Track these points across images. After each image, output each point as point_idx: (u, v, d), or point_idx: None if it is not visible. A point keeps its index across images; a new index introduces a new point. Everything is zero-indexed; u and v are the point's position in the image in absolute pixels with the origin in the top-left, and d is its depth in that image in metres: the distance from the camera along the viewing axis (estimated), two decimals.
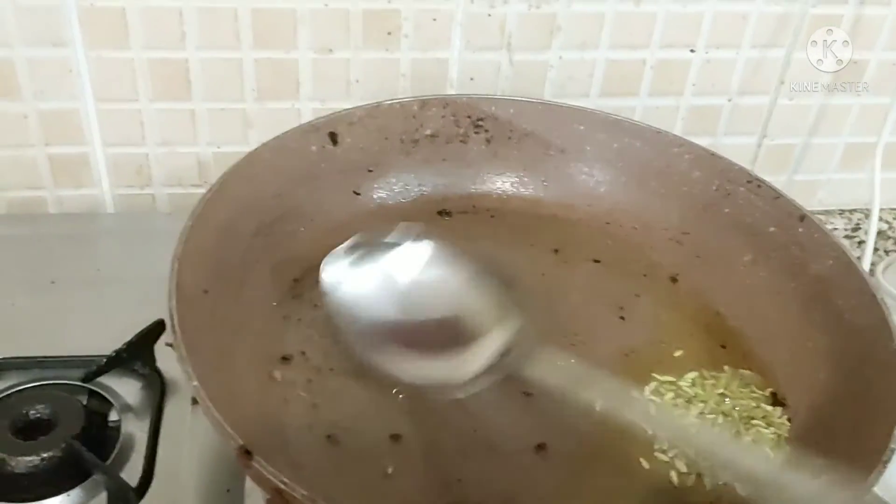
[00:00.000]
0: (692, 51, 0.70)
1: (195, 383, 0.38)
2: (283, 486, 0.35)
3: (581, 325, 0.54)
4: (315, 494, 0.34)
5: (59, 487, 0.47)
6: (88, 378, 0.53)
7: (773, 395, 0.51)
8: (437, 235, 0.60)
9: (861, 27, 0.71)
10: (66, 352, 0.55)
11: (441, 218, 0.63)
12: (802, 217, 0.56)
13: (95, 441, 0.50)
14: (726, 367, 0.52)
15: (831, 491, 0.39)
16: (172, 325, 0.42)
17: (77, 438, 0.48)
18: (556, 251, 0.61)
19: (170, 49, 0.64)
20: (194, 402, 0.41)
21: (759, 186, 0.58)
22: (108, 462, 0.49)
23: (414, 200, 0.63)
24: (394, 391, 0.48)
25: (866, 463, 0.40)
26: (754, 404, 0.50)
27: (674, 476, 0.46)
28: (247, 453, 0.36)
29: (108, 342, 0.54)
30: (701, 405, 0.50)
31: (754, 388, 0.51)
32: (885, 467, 0.40)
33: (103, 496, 0.47)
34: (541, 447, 0.47)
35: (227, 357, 0.47)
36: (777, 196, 0.57)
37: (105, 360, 0.53)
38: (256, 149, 0.55)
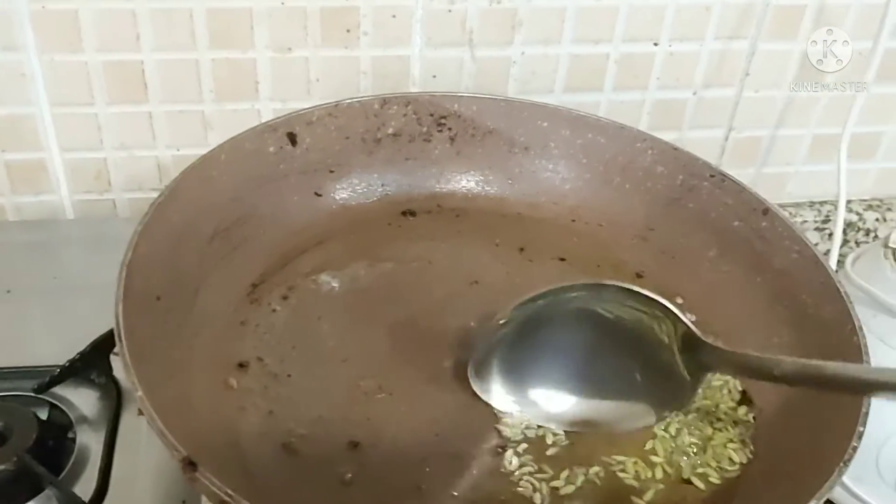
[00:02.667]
0: (655, 44, 0.69)
1: (139, 393, 0.37)
2: (227, 499, 0.34)
3: None
4: None
5: (11, 502, 0.46)
6: (41, 389, 0.51)
7: (743, 392, 0.50)
8: (402, 236, 0.60)
9: (825, 17, 0.70)
10: (22, 362, 0.54)
11: (405, 218, 0.62)
12: (766, 210, 0.55)
13: (49, 454, 0.49)
14: None
15: None
16: (118, 334, 0.41)
17: (29, 452, 0.47)
18: (522, 249, 0.60)
19: (124, 51, 0.62)
20: (140, 412, 0.40)
21: (722, 180, 0.58)
22: (62, 476, 0.48)
23: (378, 201, 0.62)
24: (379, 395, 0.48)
25: (829, 464, 0.40)
26: (718, 402, 0.50)
27: (638, 474, 0.46)
28: (191, 465, 0.35)
29: (65, 352, 0.53)
30: None
31: (725, 388, 0.51)
32: (846, 467, 0.39)
33: None
34: (503, 449, 0.46)
35: (181, 365, 0.46)
36: (741, 189, 0.57)
37: (59, 370, 0.52)
38: (211, 151, 0.54)
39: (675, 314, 0.44)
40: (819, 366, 0.41)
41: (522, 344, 0.47)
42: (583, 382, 0.47)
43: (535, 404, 0.47)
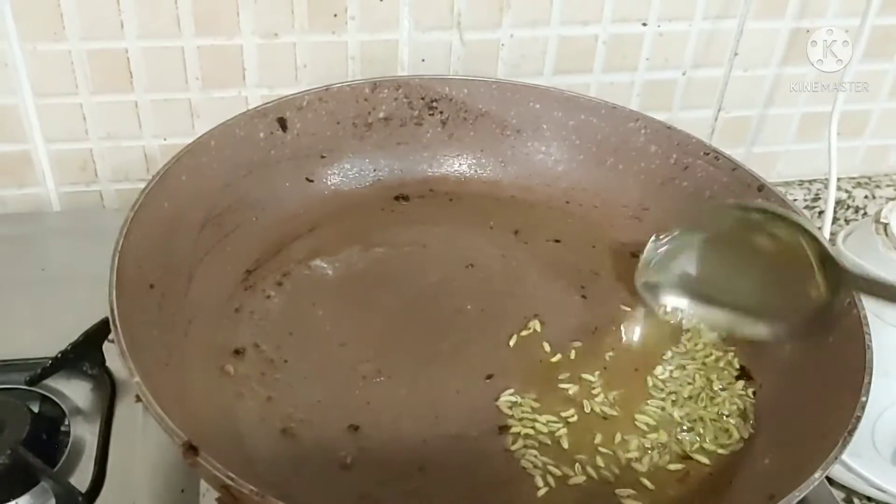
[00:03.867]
0: (644, 24, 0.69)
1: (137, 379, 0.37)
2: (229, 483, 0.33)
3: (542, 306, 0.53)
4: (263, 490, 0.33)
5: (6, 495, 0.45)
6: (33, 381, 0.51)
7: (742, 368, 0.50)
8: (395, 221, 0.60)
9: None
10: (12, 355, 0.53)
11: (398, 203, 0.61)
12: (761, 187, 0.55)
13: (43, 446, 0.48)
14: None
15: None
16: (113, 321, 0.40)
17: (24, 444, 0.46)
18: (516, 232, 0.60)
19: (108, 39, 0.61)
20: (137, 399, 0.40)
21: (716, 158, 0.58)
22: (57, 467, 0.47)
23: (370, 186, 0.62)
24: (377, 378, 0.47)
25: (833, 434, 0.40)
26: (713, 378, 0.50)
27: (640, 451, 0.45)
28: (192, 449, 0.34)
29: (56, 344, 0.52)
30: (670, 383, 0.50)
31: (722, 362, 0.51)
32: (850, 437, 0.39)
33: (53, 503, 0.45)
34: (504, 429, 0.46)
35: (177, 352, 0.46)
36: (735, 167, 0.57)
37: (50, 361, 0.51)
38: (200, 137, 0.53)
39: (816, 238, 0.47)
40: None
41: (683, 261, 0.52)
42: (730, 296, 0.51)
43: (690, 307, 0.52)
